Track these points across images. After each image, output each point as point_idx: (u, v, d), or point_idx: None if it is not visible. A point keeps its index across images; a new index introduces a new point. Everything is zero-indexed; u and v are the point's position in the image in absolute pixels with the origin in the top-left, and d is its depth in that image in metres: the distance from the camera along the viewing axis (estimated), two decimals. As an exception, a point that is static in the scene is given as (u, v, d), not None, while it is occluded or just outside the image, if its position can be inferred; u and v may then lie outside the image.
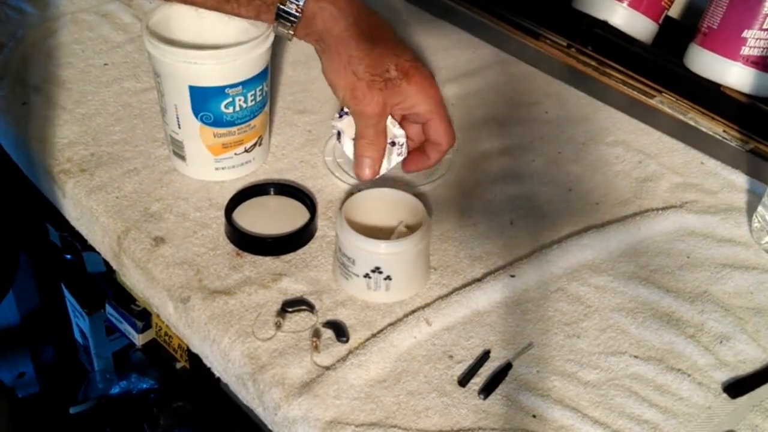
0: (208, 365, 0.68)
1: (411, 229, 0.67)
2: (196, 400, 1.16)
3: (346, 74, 0.63)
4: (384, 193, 0.70)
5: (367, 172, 0.67)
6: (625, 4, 0.93)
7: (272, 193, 0.77)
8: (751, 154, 0.84)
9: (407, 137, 0.71)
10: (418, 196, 0.70)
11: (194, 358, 0.70)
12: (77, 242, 1.11)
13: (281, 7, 0.62)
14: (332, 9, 0.62)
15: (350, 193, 0.75)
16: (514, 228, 0.76)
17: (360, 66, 0.62)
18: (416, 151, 0.71)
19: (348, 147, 0.70)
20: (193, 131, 0.74)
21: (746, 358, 0.65)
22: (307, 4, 0.62)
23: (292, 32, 0.64)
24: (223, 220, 0.73)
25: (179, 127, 0.75)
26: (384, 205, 0.70)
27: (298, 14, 0.62)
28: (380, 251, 0.65)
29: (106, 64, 0.94)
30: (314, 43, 0.66)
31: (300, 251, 0.72)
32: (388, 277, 0.66)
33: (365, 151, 0.66)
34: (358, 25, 0.62)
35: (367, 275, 0.66)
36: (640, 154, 0.86)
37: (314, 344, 0.63)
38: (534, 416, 0.60)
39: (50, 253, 1.20)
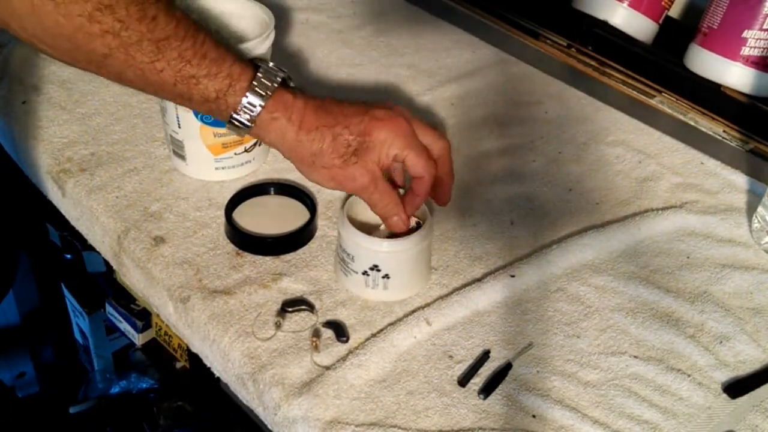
0: (208, 365, 0.68)
1: (410, 229, 0.67)
2: (196, 400, 1.16)
3: (319, 171, 0.63)
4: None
5: (402, 226, 0.66)
6: (625, 4, 0.93)
7: (272, 193, 0.77)
8: (751, 154, 0.84)
9: (396, 183, 0.70)
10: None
11: (194, 358, 0.70)
12: (77, 242, 1.11)
13: (234, 115, 0.60)
14: (284, 121, 0.61)
15: None
16: (514, 228, 0.76)
17: (324, 158, 0.62)
18: (407, 193, 0.68)
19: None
20: (193, 131, 0.74)
21: (746, 358, 0.65)
22: (261, 114, 0.61)
23: (243, 135, 0.64)
24: (223, 219, 0.73)
25: (179, 127, 0.75)
26: None
27: (249, 125, 0.61)
28: (379, 249, 0.65)
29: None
30: (276, 149, 0.65)
31: (300, 251, 0.72)
32: (387, 276, 0.66)
33: (387, 212, 0.66)
34: (306, 124, 0.62)
35: (365, 272, 0.66)
36: (640, 154, 0.86)
37: (314, 344, 0.63)
38: (534, 416, 0.60)
39: (50, 252, 1.20)
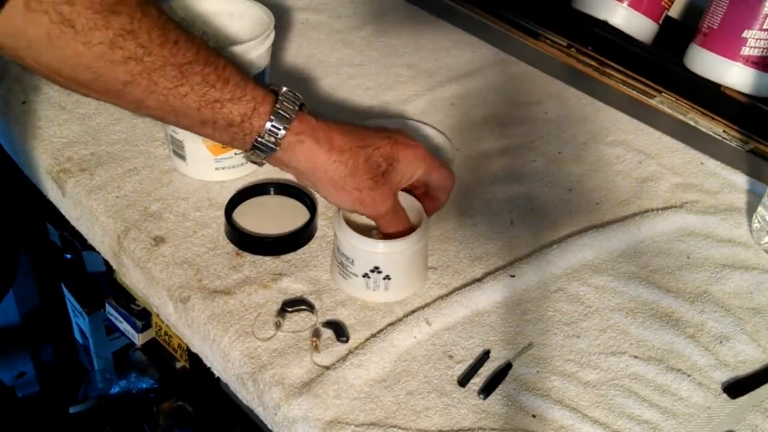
0: (208, 365, 0.68)
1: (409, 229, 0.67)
2: (196, 400, 1.16)
3: (349, 192, 0.63)
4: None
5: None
6: (625, 4, 0.93)
7: (272, 193, 0.77)
8: (751, 154, 0.84)
9: (413, 191, 0.71)
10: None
11: (194, 358, 0.70)
12: (77, 242, 1.11)
13: (259, 139, 0.60)
14: (311, 143, 0.61)
15: None
16: (514, 228, 0.76)
17: (357, 179, 0.62)
18: (424, 196, 0.70)
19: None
20: (193, 131, 0.74)
21: (746, 358, 0.65)
22: (286, 137, 0.60)
23: (264, 161, 0.63)
24: (223, 219, 0.73)
25: (179, 127, 0.75)
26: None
27: (274, 147, 0.60)
28: (379, 251, 0.65)
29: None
30: (294, 174, 0.65)
31: (300, 251, 0.72)
32: (387, 277, 0.66)
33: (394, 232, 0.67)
34: (336, 145, 0.62)
35: (366, 275, 0.66)
36: (640, 154, 0.86)
37: (314, 344, 0.63)
38: (534, 416, 0.60)
39: (50, 252, 1.20)
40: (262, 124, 0.59)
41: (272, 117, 0.60)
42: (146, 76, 0.55)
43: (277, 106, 0.60)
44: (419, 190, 0.69)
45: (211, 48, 0.58)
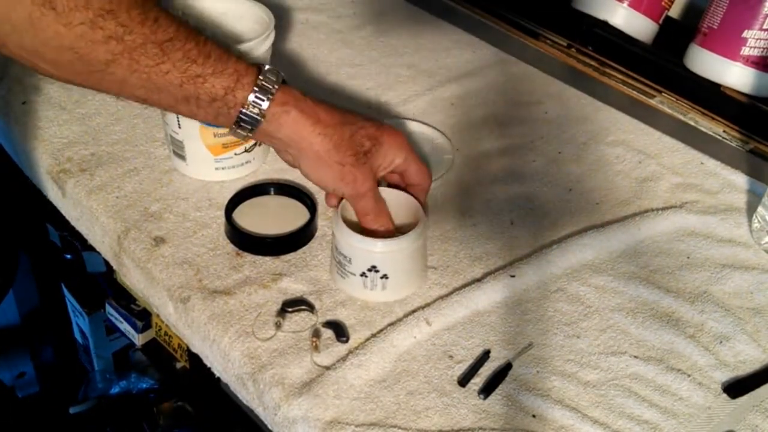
0: (208, 365, 0.68)
1: (407, 229, 0.67)
2: (196, 400, 1.16)
3: (330, 167, 0.64)
4: (382, 193, 0.70)
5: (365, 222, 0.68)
6: (625, 4, 0.93)
7: (272, 193, 0.77)
8: (751, 154, 0.84)
9: (388, 180, 0.72)
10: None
11: (194, 358, 0.70)
12: (77, 242, 1.11)
13: (243, 110, 0.60)
14: (296, 113, 0.62)
15: None
16: (514, 228, 0.76)
17: (340, 153, 0.63)
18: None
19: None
20: (193, 131, 0.74)
21: (746, 358, 0.65)
22: (271, 108, 0.61)
23: (250, 135, 0.63)
24: (223, 220, 0.73)
25: (179, 127, 0.75)
26: (395, 205, 0.70)
27: (259, 119, 0.61)
28: (377, 249, 0.65)
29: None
30: (279, 147, 0.66)
31: (300, 251, 0.72)
32: (385, 276, 0.66)
33: (376, 222, 0.68)
34: (322, 118, 0.63)
35: (363, 274, 0.66)
36: (640, 154, 0.86)
37: (314, 344, 0.63)
38: (534, 416, 0.60)
39: (50, 253, 1.20)
40: (245, 96, 0.60)
41: (255, 88, 0.60)
42: (127, 54, 0.55)
43: (260, 77, 0.60)
44: (395, 180, 0.70)
45: (191, 25, 0.58)
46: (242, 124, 0.62)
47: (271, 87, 0.61)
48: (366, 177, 0.65)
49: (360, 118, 0.66)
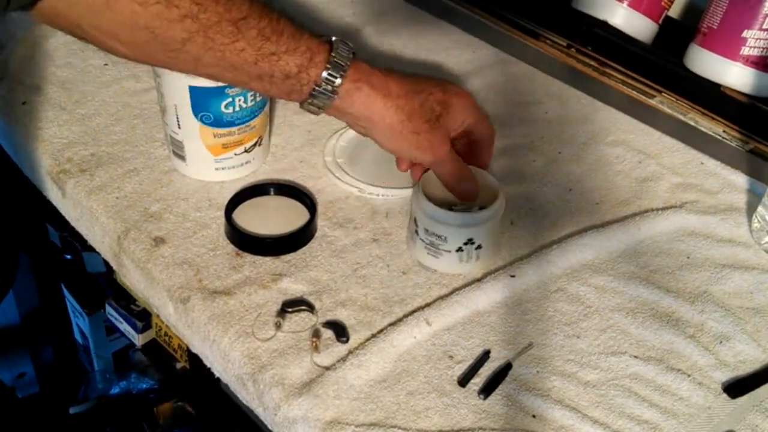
0: (208, 365, 0.68)
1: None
2: (196, 400, 1.16)
3: (407, 137, 0.65)
4: None
5: (475, 190, 0.70)
6: (625, 4, 0.93)
7: (272, 193, 0.77)
8: (751, 154, 0.84)
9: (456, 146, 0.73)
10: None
11: (194, 358, 0.70)
12: (77, 242, 1.11)
13: (316, 88, 0.61)
14: (368, 89, 0.63)
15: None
16: (514, 228, 0.76)
17: (413, 123, 0.64)
18: (466, 151, 0.72)
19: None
20: (193, 131, 0.74)
21: (746, 358, 0.65)
22: (344, 85, 0.62)
23: (322, 111, 0.64)
24: (223, 220, 0.73)
25: (179, 127, 0.75)
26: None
27: (332, 95, 0.62)
28: (475, 222, 0.67)
29: (106, 64, 0.94)
30: (350, 121, 0.67)
31: (300, 251, 0.72)
32: (479, 246, 0.68)
33: (460, 179, 0.69)
34: (393, 91, 0.64)
35: (459, 249, 0.68)
36: (640, 154, 0.86)
37: (314, 344, 0.63)
38: (534, 416, 0.60)
39: (50, 253, 1.20)
40: (318, 73, 0.61)
41: (328, 65, 0.61)
42: (203, 33, 0.56)
43: (333, 54, 0.61)
44: (461, 141, 0.71)
45: (263, 2, 0.59)
46: (315, 101, 0.62)
47: (343, 63, 0.61)
48: (442, 141, 0.66)
49: (428, 83, 0.67)
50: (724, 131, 0.86)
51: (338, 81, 0.61)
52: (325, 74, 0.61)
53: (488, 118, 0.72)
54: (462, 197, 0.69)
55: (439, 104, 0.66)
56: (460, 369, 0.63)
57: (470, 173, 0.69)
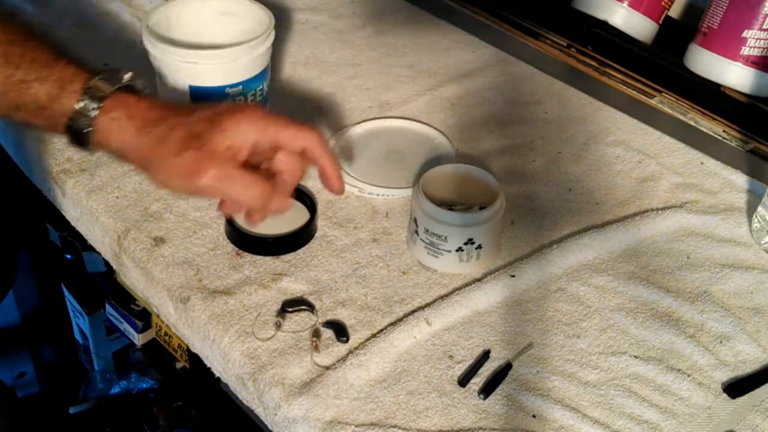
0: (208, 365, 0.68)
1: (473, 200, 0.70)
2: (196, 400, 1.16)
3: (164, 165, 0.55)
4: (457, 168, 0.74)
5: (284, 207, 0.59)
6: (625, 5, 0.93)
7: (272, 193, 0.76)
8: (751, 154, 0.84)
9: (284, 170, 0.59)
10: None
11: (194, 358, 0.70)
12: (77, 242, 1.11)
13: (68, 123, 0.55)
14: (123, 121, 0.55)
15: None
16: (514, 228, 0.76)
17: (165, 147, 0.55)
18: (293, 171, 0.60)
19: None
20: (193, 131, 0.74)
21: (746, 358, 0.65)
22: (99, 118, 0.55)
23: (88, 149, 0.57)
24: (223, 220, 0.73)
25: (179, 127, 0.74)
26: (452, 181, 0.73)
27: (87, 129, 0.55)
28: (474, 222, 0.67)
29: (106, 64, 0.94)
30: (122, 161, 0.59)
31: (300, 251, 0.72)
32: (479, 246, 0.68)
33: (257, 199, 0.57)
34: (148, 118, 0.56)
35: (459, 249, 0.68)
36: (640, 154, 0.86)
37: (314, 344, 0.63)
38: (534, 416, 0.60)
39: (50, 253, 1.20)
40: (70, 105, 0.55)
41: (82, 97, 0.55)
42: None
43: (90, 85, 0.55)
44: (286, 160, 0.59)
45: (26, 30, 0.55)
46: (73, 136, 0.56)
47: (101, 95, 0.55)
48: (206, 160, 0.55)
49: (198, 107, 0.57)
50: (724, 131, 0.86)
51: (93, 113, 0.55)
52: (78, 105, 0.55)
53: (298, 124, 0.58)
54: (271, 214, 0.60)
55: (203, 122, 0.55)
56: (460, 369, 0.63)
57: (266, 189, 0.57)
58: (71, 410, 1.24)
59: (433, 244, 0.68)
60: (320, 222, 0.75)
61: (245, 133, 0.56)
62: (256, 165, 0.59)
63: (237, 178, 0.55)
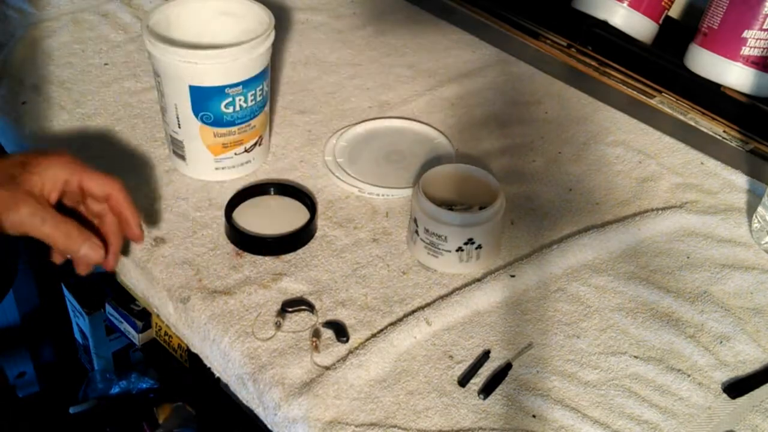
0: (208, 365, 0.68)
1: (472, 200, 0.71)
2: (196, 400, 1.16)
3: None
4: (457, 168, 0.73)
5: (97, 253, 0.62)
6: (625, 5, 0.93)
7: (272, 193, 0.77)
8: (751, 154, 0.84)
9: (95, 217, 0.65)
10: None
11: (194, 358, 0.70)
12: (77, 242, 1.11)
13: None
14: None
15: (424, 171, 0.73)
16: (514, 228, 0.76)
17: None
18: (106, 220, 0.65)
19: None
20: (193, 131, 0.74)
21: (746, 358, 0.65)
22: None
23: None
24: (223, 220, 0.73)
25: (179, 127, 0.75)
26: (452, 181, 0.73)
27: None
28: (475, 222, 0.67)
29: (106, 64, 0.94)
30: None
31: (300, 251, 0.72)
32: (479, 246, 0.68)
33: (71, 243, 0.61)
34: None
35: (459, 248, 0.68)
36: (640, 154, 0.86)
37: (314, 344, 0.63)
38: (534, 416, 0.60)
39: (50, 252, 1.20)
40: None
41: None
42: None
43: None
44: (101, 207, 0.64)
45: None
46: None
47: None
48: (20, 198, 0.58)
49: (11, 154, 0.60)
50: (724, 131, 0.86)
51: None
52: None
53: (102, 173, 0.63)
54: (86, 261, 0.63)
55: (16, 166, 0.59)
56: (460, 369, 0.63)
57: (81, 232, 0.61)
58: (71, 410, 1.24)
59: (433, 244, 0.68)
60: (320, 222, 0.75)
61: (55, 174, 0.61)
62: (74, 210, 0.64)
63: (48, 217, 0.59)
